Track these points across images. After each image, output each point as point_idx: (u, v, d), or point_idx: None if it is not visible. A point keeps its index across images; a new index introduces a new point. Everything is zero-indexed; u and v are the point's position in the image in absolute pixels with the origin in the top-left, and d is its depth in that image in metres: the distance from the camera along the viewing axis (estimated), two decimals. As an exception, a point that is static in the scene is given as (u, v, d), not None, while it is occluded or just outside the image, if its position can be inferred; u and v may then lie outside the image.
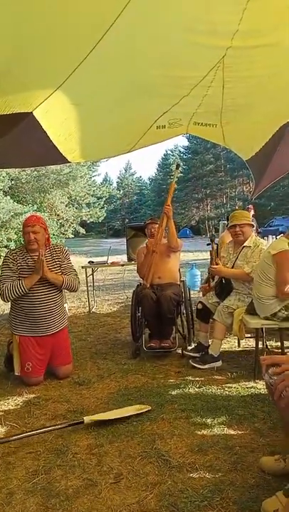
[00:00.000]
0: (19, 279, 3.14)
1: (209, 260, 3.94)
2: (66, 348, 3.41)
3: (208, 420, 2.48)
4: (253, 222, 3.71)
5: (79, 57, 2.60)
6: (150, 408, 2.62)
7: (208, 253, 3.79)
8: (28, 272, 3.19)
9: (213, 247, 3.68)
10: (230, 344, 4.03)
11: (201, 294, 4.63)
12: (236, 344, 3.98)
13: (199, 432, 2.35)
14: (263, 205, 32.97)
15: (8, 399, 2.96)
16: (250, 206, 8.79)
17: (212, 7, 2.30)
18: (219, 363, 3.40)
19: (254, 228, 3.80)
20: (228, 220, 5.00)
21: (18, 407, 2.83)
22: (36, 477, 2.01)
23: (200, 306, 3.68)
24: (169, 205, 3.91)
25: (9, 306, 3.41)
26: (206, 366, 3.36)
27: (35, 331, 3.22)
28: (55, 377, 3.32)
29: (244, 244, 3.53)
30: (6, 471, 2.08)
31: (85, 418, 2.44)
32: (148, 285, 3.82)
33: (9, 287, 3.10)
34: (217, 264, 3.56)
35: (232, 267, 3.55)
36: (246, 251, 3.50)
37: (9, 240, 12.16)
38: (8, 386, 3.19)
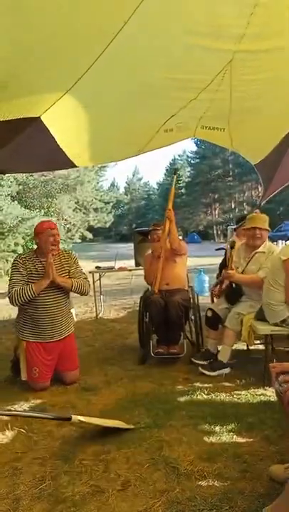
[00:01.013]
0: (28, 284, 3.14)
1: (220, 264, 3.91)
2: (73, 354, 3.40)
3: (217, 427, 2.45)
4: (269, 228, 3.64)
5: (87, 62, 2.62)
6: (133, 427, 2.50)
7: (218, 258, 3.75)
8: (37, 277, 3.19)
9: (231, 253, 3.61)
10: (239, 350, 3.99)
11: (209, 299, 4.60)
12: (245, 350, 3.93)
13: (208, 440, 2.32)
14: (271, 210, 32.79)
15: (15, 404, 2.95)
16: (257, 211, 8.65)
17: (220, 11, 2.31)
18: (228, 370, 3.36)
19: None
20: (237, 223, 4.98)
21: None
22: (43, 483, 2.00)
23: (209, 313, 3.64)
24: (170, 210, 3.92)
25: (16, 311, 3.41)
26: (215, 373, 3.32)
27: (42, 337, 3.21)
28: (61, 382, 3.30)
29: (257, 250, 3.47)
30: (12, 477, 2.06)
31: (72, 416, 2.32)
32: (156, 291, 3.80)
33: (19, 291, 3.09)
34: (232, 269, 3.51)
35: (242, 272, 3.52)
36: (259, 256, 3.45)
37: (16, 244, 12.21)
38: (15, 391, 3.18)
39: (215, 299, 3.98)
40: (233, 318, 3.38)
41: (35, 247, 3.43)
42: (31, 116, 3.02)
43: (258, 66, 2.82)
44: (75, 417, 2.31)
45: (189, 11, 2.31)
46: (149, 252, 4.38)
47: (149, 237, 4.24)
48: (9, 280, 3.23)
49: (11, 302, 3.15)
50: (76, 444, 2.35)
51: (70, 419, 2.29)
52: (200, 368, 3.40)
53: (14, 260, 3.32)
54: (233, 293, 3.53)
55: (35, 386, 3.17)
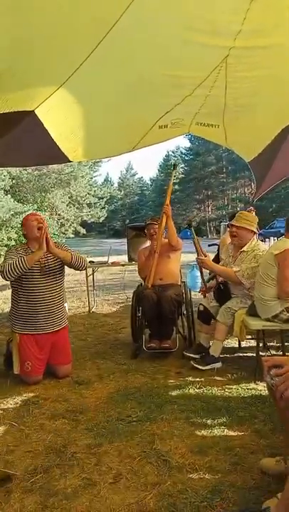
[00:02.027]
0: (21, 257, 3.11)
1: (212, 260, 3.92)
2: (66, 348, 3.40)
3: (208, 421, 2.47)
4: (255, 230, 3.53)
5: (81, 56, 2.59)
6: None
7: (211, 254, 3.76)
8: (28, 272, 3.18)
9: (195, 237, 3.62)
10: (230, 345, 4.02)
11: (201, 295, 4.62)
12: (237, 345, 3.96)
13: (199, 433, 2.34)
14: (264, 207, 32.96)
15: (7, 397, 2.94)
16: (251, 208, 8.58)
17: (215, 7, 2.29)
18: (219, 364, 3.38)
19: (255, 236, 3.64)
20: (230, 220, 4.99)
21: (17, 405, 2.82)
22: (35, 476, 2.00)
23: (201, 307, 3.67)
24: (168, 205, 3.91)
25: (9, 305, 3.40)
26: (207, 367, 3.34)
27: (36, 329, 3.21)
28: (54, 376, 3.30)
29: (242, 249, 3.46)
30: (4, 470, 2.06)
31: None
32: (150, 286, 3.81)
33: (11, 264, 3.04)
34: (205, 255, 3.52)
35: None
36: (244, 256, 3.44)
37: (9, 239, 12.15)
38: (7, 385, 3.18)
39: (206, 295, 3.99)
40: (224, 312, 3.40)
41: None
42: (25, 110, 2.99)
43: (254, 63, 2.82)
44: None
45: (186, 7, 2.30)
46: (144, 246, 4.38)
47: (146, 231, 4.21)
48: (3, 262, 3.23)
49: (3, 276, 3.08)
50: (68, 437, 2.35)
51: None
52: (192, 362, 3.41)
53: (7, 250, 3.35)
54: (221, 294, 3.53)
55: (28, 380, 3.17)
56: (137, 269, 4.50)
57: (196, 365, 3.37)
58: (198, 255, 3.60)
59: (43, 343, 3.24)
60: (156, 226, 4.06)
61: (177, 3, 2.28)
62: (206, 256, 3.54)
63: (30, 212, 3.72)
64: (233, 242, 3.56)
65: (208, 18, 2.37)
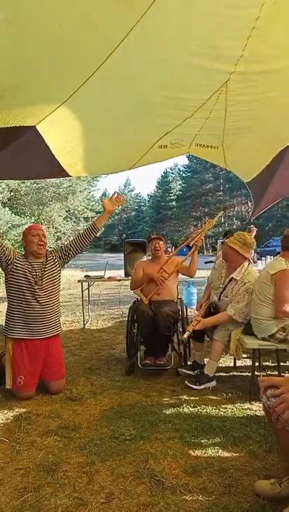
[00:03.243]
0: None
1: (208, 277, 3.92)
2: (59, 362, 3.37)
3: (203, 441, 2.44)
4: (248, 257, 3.43)
5: (84, 75, 2.65)
6: None
7: (207, 271, 3.77)
8: (23, 278, 3.21)
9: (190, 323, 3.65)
10: (226, 364, 4.00)
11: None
12: (232, 364, 3.94)
13: (193, 453, 2.31)
14: (261, 226, 33.14)
15: (-1, 413, 2.90)
16: (251, 226, 8.42)
17: (218, 33, 2.36)
18: (214, 383, 3.36)
19: (252, 257, 3.58)
20: (224, 237, 5.03)
21: (9, 421, 2.78)
22: (25, 494, 1.96)
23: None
24: (200, 239, 3.95)
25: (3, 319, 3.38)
26: (201, 387, 3.31)
27: (30, 334, 3.19)
28: (47, 392, 3.26)
29: (233, 275, 3.41)
30: (-6, 488, 2.02)
31: None
32: (146, 302, 3.81)
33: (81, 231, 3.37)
34: (198, 321, 3.45)
35: (219, 298, 3.53)
36: (233, 285, 3.40)
37: (12, 247, 12.15)
38: None
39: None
40: (221, 331, 3.39)
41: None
42: (27, 125, 3.03)
43: (253, 87, 2.89)
44: None
45: (189, 31, 2.37)
46: (142, 259, 4.39)
47: (150, 245, 4.20)
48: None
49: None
50: (60, 455, 2.31)
51: None
52: (186, 382, 3.38)
53: None
54: (212, 315, 3.50)
55: (20, 395, 3.13)
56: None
57: (190, 385, 3.34)
58: (192, 326, 3.49)
59: (36, 353, 3.20)
60: (162, 242, 4.11)
61: (181, 29, 2.34)
62: (198, 322, 3.45)
63: (29, 224, 3.75)
64: (224, 257, 3.55)
65: (211, 44, 2.44)
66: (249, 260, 3.49)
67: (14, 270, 3.22)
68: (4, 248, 3.22)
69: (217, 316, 3.44)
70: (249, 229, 7.96)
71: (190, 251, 4.01)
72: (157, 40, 2.42)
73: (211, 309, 3.54)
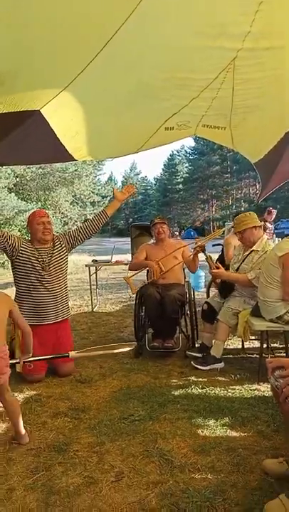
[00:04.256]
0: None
1: (216, 260, 3.92)
2: (68, 346, 3.40)
3: (211, 421, 2.46)
4: (259, 223, 3.52)
5: (88, 58, 2.59)
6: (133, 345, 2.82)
7: (215, 254, 3.76)
8: (29, 265, 3.24)
9: (207, 255, 3.69)
10: (234, 346, 4.01)
11: (205, 295, 4.62)
12: (240, 346, 3.95)
13: (202, 433, 2.34)
14: (268, 208, 32.85)
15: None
16: (270, 208, 8.25)
17: (224, 9, 2.28)
18: (221, 365, 3.38)
19: (267, 227, 3.63)
20: (233, 219, 4.98)
21: (20, 403, 2.82)
22: (37, 474, 2.00)
23: (205, 306, 3.67)
24: (201, 247, 3.86)
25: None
26: (208, 367, 3.34)
27: (39, 320, 3.22)
28: (56, 374, 3.31)
29: (253, 248, 3.45)
30: (6, 467, 2.07)
31: (70, 353, 2.91)
32: (134, 292, 3.95)
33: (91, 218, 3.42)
34: (218, 268, 3.51)
35: (237, 269, 3.53)
36: (254, 255, 3.43)
37: (16, 235, 12.18)
38: (10, 383, 3.17)
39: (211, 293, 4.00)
40: (226, 312, 3.40)
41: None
42: (31, 110, 2.99)
43: (261, 64, 2.80)
44: (72, 353, 2.81)
45: (193, 9, 2.29)
46: (149, 242, 4.39)
47: (154, 229, 4.19)
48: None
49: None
50: (70, 436, 2.36)
51: (68, 356, 2.88)
52: (193, 363, 3.41)
53: None
54: (224, 287, 3.54)
55: (31, 378, 3.17)
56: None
57: (197, 366, 3.37)
58: (211, 269, 3.58)
59: (45, 338, 3.24)
60: (165, 226, 4.09)
61: (185, 6, 2.27)
62: (218, 268, 3.52)
63: (34, 210, 3.78)
64: (245, 244, 3.54)
65: (218, 21, 2.36)
66: (261, 225, 3.56)
67: (20, 257, 3.24)
68: (7, 236, 3.23)
69: (236, 274, 3.47)
70: (268, 211, 7.86)
71: (192, 253, 3.99)
72: (160, 21, 2.34)
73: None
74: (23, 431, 2.30)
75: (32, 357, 3.14)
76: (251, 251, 3.46)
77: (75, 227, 3.71)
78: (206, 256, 3.72)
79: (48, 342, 3.26)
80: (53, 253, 3.35)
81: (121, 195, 3.71)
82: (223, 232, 5.52)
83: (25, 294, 3.25)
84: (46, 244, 3.36)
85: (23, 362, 3.16)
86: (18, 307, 3.25)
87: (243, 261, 3.50)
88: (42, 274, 3.25)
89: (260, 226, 3.53)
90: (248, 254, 3.49)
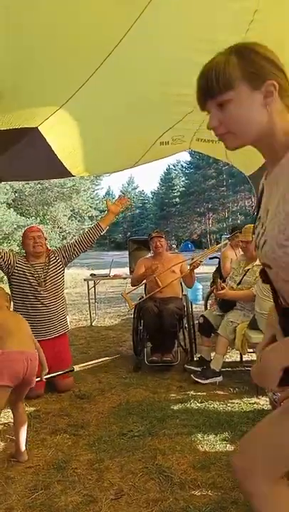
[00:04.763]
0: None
1: (213, 273, 3.92)
2: (67, 361, 3.39)
3: (211, 436, 2.45)
4: None
5: (84, 76, 2.64)
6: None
7: (212, 267, 3.78)
8: (25, 281, 3.24)
9: (216, 280, 3.70)
10: (232, 359, 4.00)
11: (203, 307, 4.62)
12: (238, 359, 3.94)
13: (201, 448, 2.32)
14: (264, 220, 33.02)
15: (8, 411, 2.90)
16: None
17: (216, 27, 2.35)
18: (220, 378, 3.37)
19: None
20: (231, 232, 5.02)
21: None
22: (36, 492, 1.98)
23: (201, 320, 3.67)
24: (201, 261, 3.96)
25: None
26: (208, 381, 3.33)
27: (36, 334, 3.19)
28: (55, 390, 3.29)
29: (255, 263, 3.45)
30: (5, 486, 2.05)
31: (74, 367, 2.97)
32: (132, 307, 3.96)
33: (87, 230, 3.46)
34: (223, 288, 3.52)
35: (239, 282, 3.54)
36: (256, 269, 3.42)
37: (12, 251, 12.20)
38: (9, 399, 3.15)
39: (209, 306, 4.00)
40: (226, 326, 3.40)
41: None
42: (29, 127, 3.04)
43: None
44: (77, 367, 2.90)
45: (187, 26, 2.35)
46: (147, 256, 4.41)
47: (152, 243, 4.21)
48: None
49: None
50: (69, 453, 2.34)
51: (73, 370, 2.96)
52: (192, 376, 3.40)
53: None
54: (225, 301, 3.55)
55: (30, 394, 3.14)
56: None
57: (197, 379, 3.35)
58: (216, 290, 3.58)
59: (44, 353, 3.21)
60: (162, 240, 4.11)
61: (178, 23, 2.33)
62: (223, 288, 3.52)
63: (30, 226, 3.82)
64: (247, 255, 3.57)
65: (209, 38, 2.42)
66: None
67: (16, 274, 3.26)
68: (2, 253, 3.25)
69: (241, 292, 3.47)
70: None
71: (189, 269, 4.01)
72: (155, 38, 2.41)
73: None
74: (23, 448, 2.29)
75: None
76: (253, 266, 3.47)
77: (72, 240, 3.71)
78: (216, 280, 3.73)
79: (46, 357, 3.24)
80: (48, 268, 3.36)
81: (114, 208, 3.72)
82: (219, 243, 5.56)
83: (22, 310, 3.23)
84: (40, 259, 3.37)
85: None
86: None
87: (245, 274, 3.52)
88: (38, 290, 3.25)
89: None
90: (249, 268, 3.50)
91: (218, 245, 4.53)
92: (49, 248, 3.56)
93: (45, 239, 3.51)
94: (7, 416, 2.86)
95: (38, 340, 3.19)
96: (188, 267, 4.02)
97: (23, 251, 3.49)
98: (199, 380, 3.34)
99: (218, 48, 2.50)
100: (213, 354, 3.56)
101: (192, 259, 3.97)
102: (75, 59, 2.49)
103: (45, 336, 3.24)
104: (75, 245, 3.58)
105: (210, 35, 2.41)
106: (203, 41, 2.45)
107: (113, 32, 2.31)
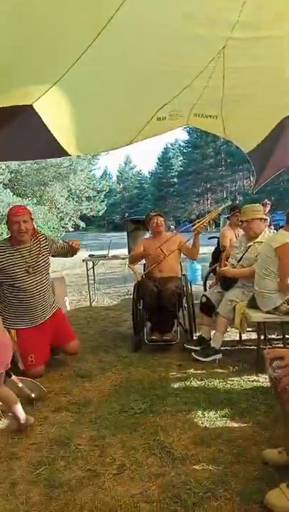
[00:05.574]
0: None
1: (212, 253, 3.88)
2: (67, 328, 3.47)
3: (211, 413, 2.48)
4: (266, 216, 3.59)
5: (78, 51, 2.58)
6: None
7: (211, 247, 3.78)
8: (14, 268, 3.13)
9: (221, 255, 3.71)
10: (231, 337, 4.04)
11: (202, 288, 4.63)
12: (238, 338, 3.98)
13: (202, 425, 2.36)
14: (262, 200, 32.92)
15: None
16: (265, 201, 8.34)
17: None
18: (220, 356, 3.40)
19: (267, 223, 3.73)
20: (230, 212, 4.99)
21: (21, 398, 2.83)
22: (39, 468, 2.02)
23: (204, 299, 3.69)
24: (205, 225, 3.93)
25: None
26: (208, 359, 3.36)
27: (32, 323, 3.23)
28: (65, 354, 3.43)
29: (256, 240, 3.47)
30: (9, 462, 2.09)
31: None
32: (139, 278, 3.94)
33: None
34: (225, 265, 3.54)
35: (240, 259, 3.55)
36: (257, 246, 3.44)
37: (9, 233, 12.16)
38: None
39: (208, 287, 4.02)
40: (225, 305, 3.42)
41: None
42: (23, 104, 2.98)
43: (251, 54, 2.81)
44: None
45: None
46: (146, 236, 4.40)
47: (151, 223, 4.18)
48: None
49: None
50: (72, 430, 2.37)
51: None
52: (193, 354, 3.44)
53: None
54: (227, 279, 3.56)
55: (32, 372, 3.17)
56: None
57: (197, 357, 3.39)
58: (219, 267, 3.60)
59: (41, 333, 3.25)
60: (162, 219, 4.09)
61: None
62: (226, 266, 3.55)
63: (13, 205, 3.55)
64: (249, 234, 3.56)
65: (206, 9, 2.36)
66: (267, 219, 3.68)
67: (3, 261, 3.13)
68: None
69: (243, 270, 3.49)
70: (263, 203, 7.86)
71: (192, 235, 3.99)
72: (150, 10, 2.34)
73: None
74: (23, 415, 2.35)
75: (35, 356, 3.18)
76: (255, 242, 3.48)
77: (61, 241, 3.61)
78: (222, 256, 3.75)
79: (45, 335, 3.26)
80: (36, 253, 3.25)
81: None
82: (218, 224, 5.55)
83: (12, 299, 3.18)
84: (26, 243, 3.22)
85: (23, 359, 3.18)
86: (8, 313, 3.20)
87: (247, 251, 3.52)
88: (28, 276, 3.17)
89: (266, 220, 3.61)
90: (250, 245, 3.51)
91: (220, 207, 4.48)
92: (36, 229, 3.38)
93: (32, 219, 3.32)
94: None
95: (36, 326, 3.22)
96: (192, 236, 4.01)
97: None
98: (199, 358, 3.38)
99: (216, 18, 2.44)
100: (212, 333, 3.59)
101: (194, 225, 3.96)
102: (68, 35, 2.43)
103: (39, 321, 3.25)
104: (57, 250, 3.50)
105: (206, 6, 2.35)
106: (199, 12, 2.40)
107: (107, 4, 2.24)
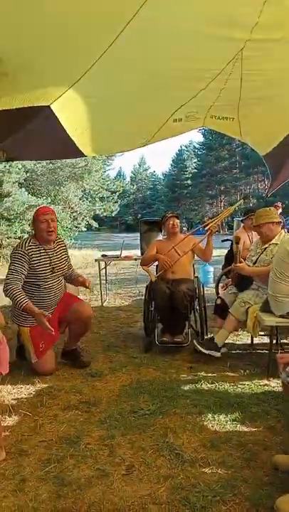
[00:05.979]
0: (24, 296, 3.03)
1: (225, 255, 3.87)
2: (74, 298, 3.52)
3: (221, 416, 2.47)
4: (278, 219, 3.56)
5: (96, 53, 2.60)
6: None
7: (224, 250, 3.75)
8: (41, 267, 3.19)
9: (238, 248, 3.65)
10: (243, 341, 4.01)
11: (214, 290, 4.61)
12: (249, 341, 3.94)
13: (212, 428, 2.35)
14: (275, 203, 32.59)
15: (21, 388, 2.98)
16: (278, 204, 8.33)
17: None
18: (219, 354, 3.38)
19: (281, 224, 3.69)
20: (244, 215, 4.96)
21: (31, 396, 2.86)
22: (49, 465, 2.03)
23: (219, 301, 3.67)
24: (217, 224, 3.93)
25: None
26: (206, 352, 3.37)
27: (47, 312, 3.23)
28: (80, 314, 3.33)
29: (272, 242, 3.45)
30: (18, 459, 2.10)
31: None
32: (154, 279, 3.89)
33: (14, 294, 3.00)
34: (241, 262, 3.51)
35: (255, 261, 3.53)
36: (272, 248, 3.42)
37: (23, 231, 12.25)
38: (21, 375, 3.21)
39: (220, 290, 3.99)
40: (237, 306, 3.39)
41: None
42: (41, 105, 3.00)
43: (269, 55, 2.79)
44: None
45: (201, 0, 2.28)
46: (159, 238, 4.39)
47: (166, 223, 4.17)
48: (10, 265, 3.20)
49: (5, 294, 3.10)
50: (81, 429, 2.38)
51: None
52: (194, 342, 3.48)
53: (17, 247, 3.24)
54: (242, 280, 3.53)
55: (43, 369, 3.19)
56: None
57: (197, 345, 3.42)
58: (235, 263, 3.57)
59: (56, 317, 3.30)
60: (177, 220, 4.09)
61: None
62: (241, 263, 3.52)
63: (38, 206, 3.63)
64: (262, 238, 3.56)
65: (225, 11, 2.35)
66: (281, 222, 3.63)
67: (33, 263, 3.19)
68: (22, 277, 3.13)
69: (259, 268, 3.46)
70: (275, 206, 7.84)
71: (205, 235, 3.97)
72: (169, 11, 2.33)
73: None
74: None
75: (45, 342, 3.18)
76: (270, 244, 3.46)
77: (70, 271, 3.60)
78: (235, 247, 3.68)
79: (56, 320, 3.29)
80: (61, 254, 3.39)
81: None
82: (231, 226, 5.52)
83: (30, 297, 3.14)
84: (51, 244, 3.32)
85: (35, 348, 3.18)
86: (22, 314, 3.18)
87: (262, 252, 3.50)
88: (48, 277, 3.25)
89: (279, 222, 3.55)
90: (266, 247, 3.49)
91: (232, 207, 4.45)
92: (59, 237, 3.50)
93: (57, 221, 3.39)
94: (20, 391, 2.92)
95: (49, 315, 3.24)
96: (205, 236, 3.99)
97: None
98: (199, 347, 3.39)
99: (234, 20, 2.43)
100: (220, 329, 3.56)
101: (207, 224, 3.94)
102: (87, 36, 2.44)
103: (54, 308, 3.33)
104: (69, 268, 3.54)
105: (226, 8, 2.33)
106: (219, 14, 2.39)
107: (125, 8, 2.25)
